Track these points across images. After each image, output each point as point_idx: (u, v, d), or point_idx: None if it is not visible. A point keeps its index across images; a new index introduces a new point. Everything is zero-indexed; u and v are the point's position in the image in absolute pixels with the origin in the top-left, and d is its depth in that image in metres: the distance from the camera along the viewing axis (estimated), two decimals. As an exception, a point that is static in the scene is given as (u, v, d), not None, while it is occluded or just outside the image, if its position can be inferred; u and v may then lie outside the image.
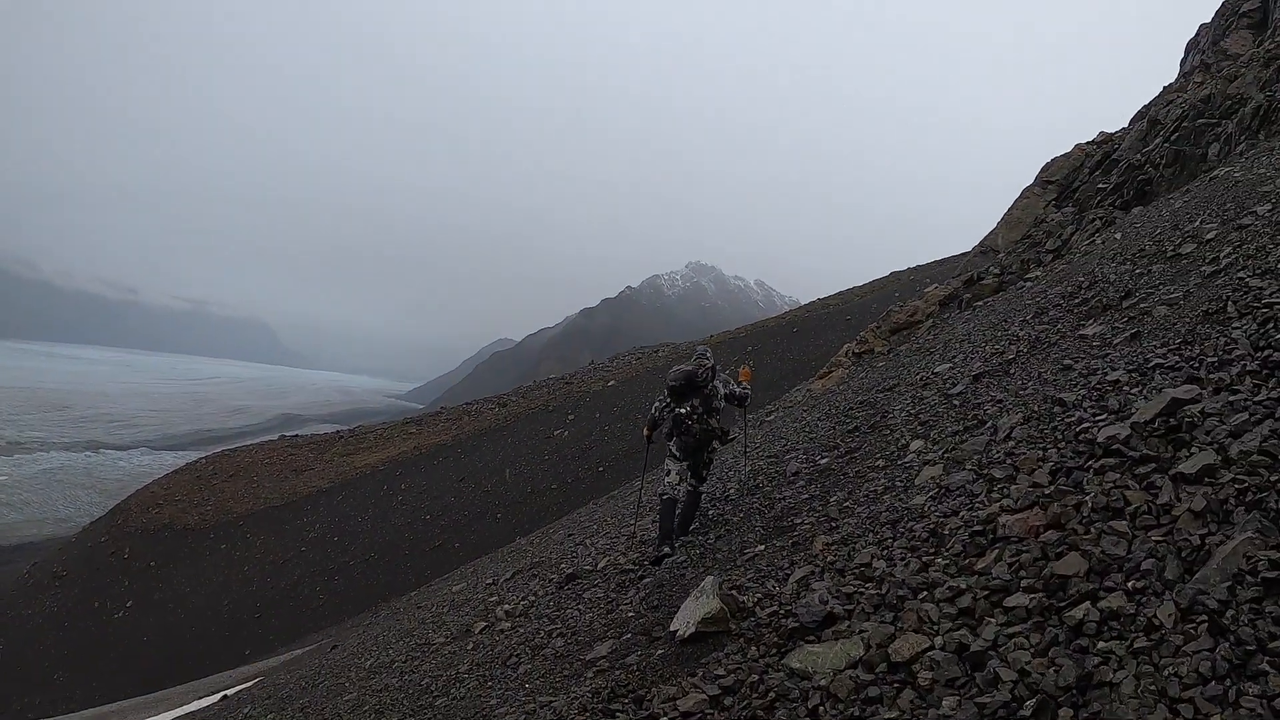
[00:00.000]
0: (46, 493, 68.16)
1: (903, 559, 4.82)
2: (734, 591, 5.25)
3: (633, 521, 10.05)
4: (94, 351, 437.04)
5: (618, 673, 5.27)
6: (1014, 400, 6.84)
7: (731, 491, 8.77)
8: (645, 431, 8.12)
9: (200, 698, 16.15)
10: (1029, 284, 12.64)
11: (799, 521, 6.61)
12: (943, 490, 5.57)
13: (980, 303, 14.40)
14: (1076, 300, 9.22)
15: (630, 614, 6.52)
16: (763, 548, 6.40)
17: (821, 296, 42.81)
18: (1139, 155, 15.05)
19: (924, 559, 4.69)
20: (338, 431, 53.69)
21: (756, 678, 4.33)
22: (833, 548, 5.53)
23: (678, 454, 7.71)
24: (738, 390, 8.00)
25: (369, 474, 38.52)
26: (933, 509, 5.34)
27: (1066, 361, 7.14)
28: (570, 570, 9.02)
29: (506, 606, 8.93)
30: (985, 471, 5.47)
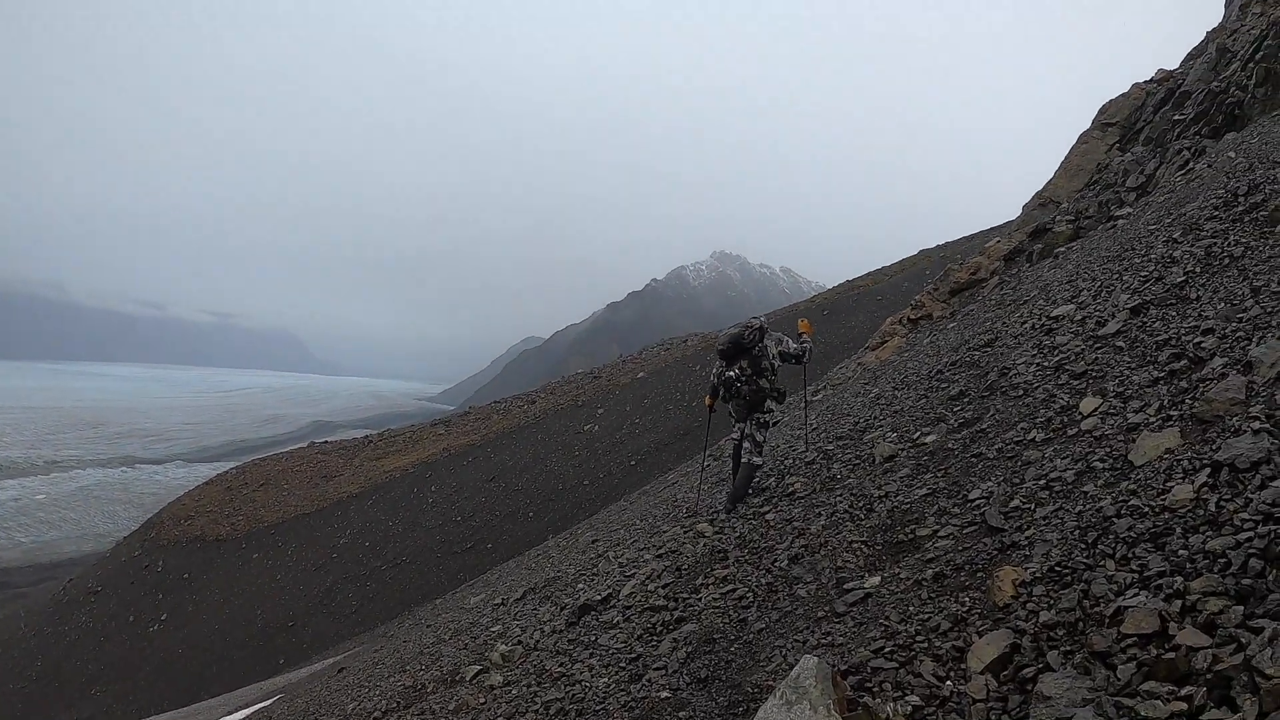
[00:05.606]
0: (84, 510, 67.28)
1: (1227, 620, 2.25)
2: (862, 693, 2.68)
3: (664, 525, 7.66)
4: (124, 369, 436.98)
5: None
6: (1237, 326, 4.49)
7: (797, 486, 6.25)
8: (707, 400, 7.33)
9: (229, 713, 15.41)
10: (1123, 220, 10.38)
11: (924, 534, 4.10)
12: (1223, 470, 3.01)
13: (1063, 249, 12.26)
14: (1238, 208, 6.88)
15: (664, 694, 4.12)
16: (877, 580, 3.86)
17: (850, 279, 40.39)
18: (1216, 83, 13.24)
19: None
20: (366, 436, 52.29)
21: None
22: (1036, 591, 2.94)
23: (734, 417, 7.10)
24: (793, 346, 6.99)
25: (399, 477, 37.57)
26: (1233, 508, 2.77)
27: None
28: (585, 598, 6.82)
29: (504, 647, 6.91)
30: (1299, 431, 2.93)
